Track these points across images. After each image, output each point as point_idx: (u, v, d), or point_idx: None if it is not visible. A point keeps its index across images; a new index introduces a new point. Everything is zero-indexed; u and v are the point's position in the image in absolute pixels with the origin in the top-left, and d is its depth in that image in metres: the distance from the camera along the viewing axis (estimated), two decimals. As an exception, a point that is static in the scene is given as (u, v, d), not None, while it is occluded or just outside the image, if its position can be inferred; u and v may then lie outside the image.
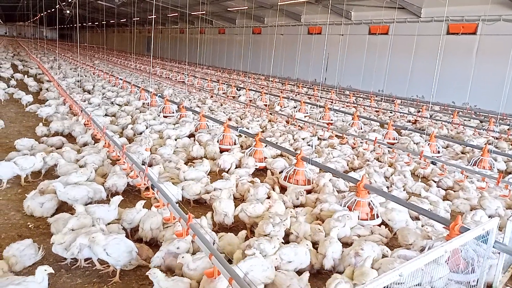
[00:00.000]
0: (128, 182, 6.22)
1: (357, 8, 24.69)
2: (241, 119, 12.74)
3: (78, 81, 19.12)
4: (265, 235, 4.65)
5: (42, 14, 64.80)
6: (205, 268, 3.76)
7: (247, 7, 29.92)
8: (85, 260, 4.33)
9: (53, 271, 3.68)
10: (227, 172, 7.31)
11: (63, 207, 5.55)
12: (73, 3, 40.58)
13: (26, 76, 19.18)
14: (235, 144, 9.37)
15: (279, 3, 22.40)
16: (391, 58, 20.98)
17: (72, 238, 4.19)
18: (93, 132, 8.74)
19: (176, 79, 25.08)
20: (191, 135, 10.19)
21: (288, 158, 8.33)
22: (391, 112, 16.56)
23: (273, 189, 6.32)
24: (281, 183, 7.02)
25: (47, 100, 13.20)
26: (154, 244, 4.77)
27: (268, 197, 6.03)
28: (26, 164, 6.31)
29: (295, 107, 16.29)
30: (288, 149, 8.64)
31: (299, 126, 12.13)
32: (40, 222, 5.25)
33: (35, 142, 7.80)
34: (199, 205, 6.25)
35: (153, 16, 20.75)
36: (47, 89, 15.66)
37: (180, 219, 4.34)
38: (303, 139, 10.46)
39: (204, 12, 32.71)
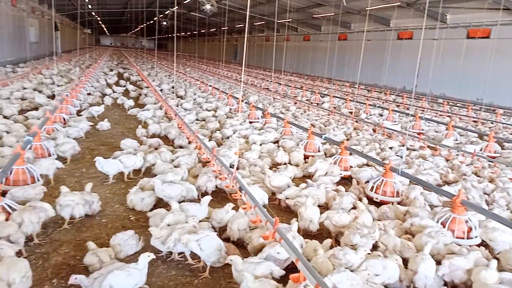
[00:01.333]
0: (216, 184, 6.55)
1: (454, 10, 23.04)
2: (325, 126, 12.63)
3: (172, 87, 20.58)
4: (351, 246, 4.56)
5: (142, 26, 71.08)
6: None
7: (333, 13, 29.62)
8: (179, 254, 4.64)
9: (155, 257, 4.01)
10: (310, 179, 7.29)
11: (160, 203, 6.02)
12: (169, 15, 43.79)
13: (128, 82, 21.12)
14: (319, 151, 9.32)
15: (368, 8, 21.78)
16: (493, 63, 19.16)
17: (168, 233, 4.53)
18: (186, 135, 9.34)
19: (260, 86, 25.68)
20: (276, 141, 10.36)
21: (375, 168, 8.04)
22: (492, 123, 15.11)
23: (360, 199, 6.16)
24: (368, 194, 6.81)
25: (146, 104, 14.45)
26: (241, 245, 4.95)
27: (354, 207, 5.91)
28: (129, 163, 6.97)
29: (381, 115, 15.68)
30: (375, 158, 8.36)
31: (386, 135, 11.66)
32: (140, 215, 5.76)
33: (137, 143, 8.58)
34: (282, 210, 6.34)
35: (246, 25, 21.35)
36: (145, 95, 17.12)
37: (267, 222, 4.45)
38: (391, 148, 10.03)
39: (290, 20, 33.06)
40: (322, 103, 18.62)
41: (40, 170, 6.44)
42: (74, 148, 7.99)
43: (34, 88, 16.29)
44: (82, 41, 63.75)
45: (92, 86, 18.08)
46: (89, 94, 16.08)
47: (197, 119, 12.50)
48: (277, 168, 7.70)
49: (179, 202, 5.56)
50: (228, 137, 10.22)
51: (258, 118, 13.18)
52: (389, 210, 5.96)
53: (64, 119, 10.47)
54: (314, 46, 39.31)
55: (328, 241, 4.73)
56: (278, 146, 9.58)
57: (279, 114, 14.07)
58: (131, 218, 5.67)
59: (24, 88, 15.63)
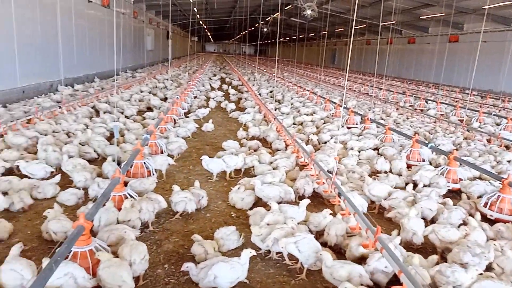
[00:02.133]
0: (314, 188, 6.57)
1: None
2: (431, 134, 11.79)
3: (270, 92, 21.13)
4: (461, 264, 4.21)
5: (243, 33, 74.16)
6: None
7: (443, 14, 27.50)
8: (277, 253, 4.78)
9: (256, 254, 4.20)
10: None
11: (258, 202, 6.25)
12: (270, 21, 44.96)
13: (230, 87, 22.23)
14: (423, 161, 8.76)
15: (486, 7, 19.75)
16: None
17: (268, 232, 4.69)
18: (284, 138, 9.53)
19: (359, 91, 24.95)
20: (375, 148, 9.99)
21: (490, 182, 7.28)
22: None
23: (471, 215, 5.65)
24: (480, 210, 6.20)
25: (246, 108, 15.07)
26: (338, 251, 4.90)
27: (464, 223, 5.45)
28: (231, 162, 7.36)
29: (498, 124, 14.10)
30: (491, 171, 7.57)
31: (504, 146, 10.47)
32: (241, 213, 6.05)
33: (238, 144, 9.02)
34: (382, 219, 6.10)
35: (351, 29, 20.97)
36: (245, 98, 17.85)
37: (367, 230, 4.34)
38: (509, 162, 8.97)
39: (394, 22, 31.53)
40: (428, 110, 17.41)
41: (155, 165, 7.15)
42: (181, 147, 8.69)
43: (149, 91, 18.10)
44: (190, 48, 68.76)
45: (198, 90, 19.42)
46: (195, 97, 17.31)
47: (294, 123, 12.64)
48: (377, 176, 7.44)
49: (278, 203, 5.72)
50: (325, 142, 10.16)
51: (357, 124, 12.86)
52: (506, 230, 5.36)
53: (174, 120, 11.44)
54: (420, 49, 36.90)
55: (434, 257, 4.44)
56: (378, 154, 9.24)
57: (379, 120, 13.53)
58: (232, 215, 5.98)
59: (141, 91, 17.46)
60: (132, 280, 3.82)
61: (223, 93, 19.35)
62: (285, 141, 9.59)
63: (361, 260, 4.45)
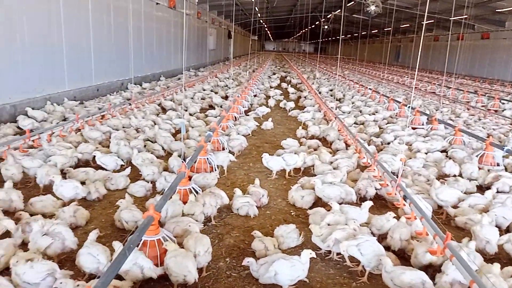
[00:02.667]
0: (376, 189, 6.38)
1: None
2: (506, 137, 10.91)
3: (330, 90, 20.80)
4: (542, 278, 3.88)
5: (303, 31, 73.61)
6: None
7: (524, 6, 25.28)
8: (337, 254, 4.71)
9: (315, 256, 4.19)
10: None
11: (318, 202, 6.21)
12: (331, 19, 44.20)
13: (289, 85, 22.21)
14: (497, 165, 8.14)
15: None
16: None
17: (328, 232, 4.64)
18: (345, 138, 9.35)
19: (425, 90, 23.73)
20: (443, 150, 9.46)
21: None
22: None
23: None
24: None
25: (306, 106, 14.98)
26: (401, 255, 4.73)
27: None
28: (291, 161, 7.37)
29: None
30: None
31: None
32: (300, 211, 6.04)
33: (297, 143, 9.01)
34: (449, 226, 5.78)
35: (423, 24, 20.11)
36: (305, 97, 17.74)
37: (435, 236, 4.14)
38: None
39: (467, 16, 29.53)
40: (503, 111, 16.11)
41: (217, 161, 7.36)
42: (242, 144, 8.85)
43: (211, 89, 18.64)
44: (250, 47, 69.69)
45: (257, 89, 19.64)
46: (255, 95, 17.53)
47: (355, 123, 12.35)
48: (445, 180, 7.05)
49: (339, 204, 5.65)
50: (388, 143, 9.81)
51: (423, 124, 12.24)
52: None
53: (235, 118, 11.69)
54: (495, 44, 34.22)
55: (510, 269, 4.12)
56: (447, 156, 8.74)
57: (447, 121, 12.78)
58: (292, 213, 6.00)
59: (204, 90, 18.03)
60: (196, 271, 3.98)
61: (282, 92, 19.36)
62: (345, 141, 9.41)
63: (427, 267, 4.27)
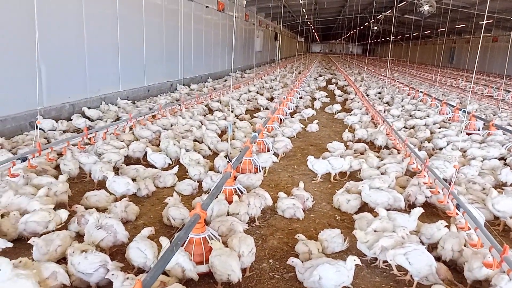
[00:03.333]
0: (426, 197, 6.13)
1: None
2: None
3: (379, 93, 20.24)
4: None
5: (351, 32, 72.18)
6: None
7: None
8: (383, 262, 4.57)
9: (361, 264, 4.10)
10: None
11: (364, 207, 6.06)
12: (381, 20, 43.01)
13: (336, 87, 21.87)
14: None
15: None
16: None
17: (375, 239, 4.52)
18: (393, 143, 9.05)
19: (482, 93, 22.45)
20: (501, 158, 8.89)
21: None
22: None
23: None
24: None
25: (352, 109, 14.68)
26: (453, 267, 4.50)
27: None
28: (337, 164, 7.25)
29: None
30: None
31: None
32: (345, 216, 5.93)
33: (343, 146, 8.86)
34: (507, 238, 5.42)
35: (482, 23, 19.13)
36: (351, 100, 17.40)
37: (491, 248, 3.90)
38: None
39: (530, 15, 27.63)
40: None
41: (260, 162, 7.40)
42: (287, 146, 8.83)
43: (257, 91, 18.78)
44: (295, 49, 69.43)
45: (303, 90, 19.51)
46: (300, 97, 17.43)
47: (405, 127, 11.92)
48: (503, 189, 6.62)
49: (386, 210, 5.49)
50: (440, 149, 9.38)
51: (479, 130, 11.58)
52: None
53: (281, 119, 11.68)
54: (562, 45, 31.63)
55: None
56: (505, 164, 8.22)
57: (506, 127, 12.00)
58: (337, 218, 5.90)
59: (250, 91, 18.20)
60: (240, 271, 4.02)
61: (327, 94, 19.06)
62: (394, 146, 9.11)
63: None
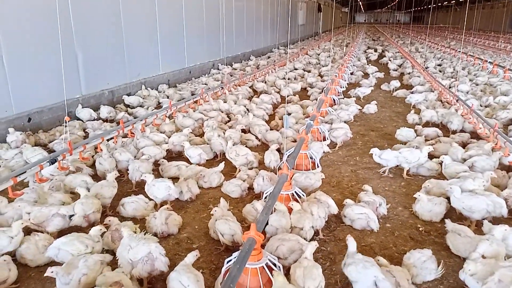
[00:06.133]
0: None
1: None
2: None
3: (439, 65, 18.25)
4: None
5: (399, -1, 67.40)
6: None
7: None
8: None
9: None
10: None
11: (451, 212, 4.91)
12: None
13: (389, 60, 19.99)
14: None
15: None
16: None
17: (486, 270, 3.40)
18: (474, 127, 7.65)
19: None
20: None
21: None
22: None
23: None
24: None
25: (413, 86, 13.09)
26: None
27: None
28: (413, 158, 6.05)
29: None
30: None
31: None
32: (431, 226, 4.80)
33: (413, 133, 7.59)
34: None
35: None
36: (409, 74, 15.68)
37: None
38: None
39: None
40: None
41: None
42: (346, 134, 7.70)
43: (303, 68, 17.47)
44: (340, 20, 66.11)
45: (354, 65, 17.95)
46: (351, 73, 15.96)
47: (479, 105, 10.28)
48: None
49: (483, 220, 4.34)
50: (531, 132, 7.85)
51: None
52: None
53: (334, 101, 10.48)
54: None
55: None
56: None
57: None
58: (420, 229, 4.78)
59: (296, 69, 16.95)
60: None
61: (378, 69, 17.30)
62: (475, 130, 7.71)
63: None
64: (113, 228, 4.26)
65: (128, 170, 5.89)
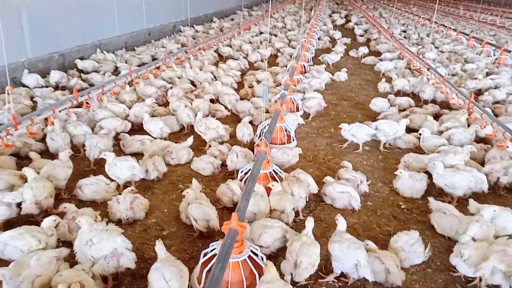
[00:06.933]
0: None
1: None
2: None
3: (403, 31, 18.17)
4: None
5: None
6: None
7: None
8: (491, 286, 3.32)
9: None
10: None
11: (430, 188, 4.78)
12: None
13: (356, 25, 19.63)
14: None
15: None
16: None
17: (479, 254, 3.25)
18: (447, 97, 7.56)
19: (516, 29, 20.25)
20: None
21: None
22: None
23: None
24: None
25: (381, 52, 12.89)
26: None
27: None
28: (391, 130, 5.84)
29: None
30: None
31: None
32: (412, 204, 4.64)
33: (387, 103, 7.38)
34: None
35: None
36: (375, 40, 15.47)
37: None
38: None
39: None
40: None
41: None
42: (320, 103, 7.38)
43: (269, 32, 16.77)
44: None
45: (320, 30, 17.46)
46: (319, 38, 15.52)
47: (453, 74, 10.16)
48: None
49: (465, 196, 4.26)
50: (497, 102, 7.87)
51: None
52: None
53: (304, 68, 10.06)
54: None
55: None
56: None
57: None
58: (402, 206, 4.61)
59: (261, 33, 16.22)
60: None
61: (343, 34, 16.95)
62: (447, 100, 7.64)
63: None
64: (70, 217, 3.74)
65: (84, 146, 5.25)
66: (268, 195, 4.10)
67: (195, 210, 3.84)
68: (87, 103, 6.47)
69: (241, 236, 3.09)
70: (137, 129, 6.39)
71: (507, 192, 4.90)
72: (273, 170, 4.53)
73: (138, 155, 5.24)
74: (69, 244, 3.62)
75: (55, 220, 3.54)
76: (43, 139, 5.60)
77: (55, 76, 8.31)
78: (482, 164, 5.26)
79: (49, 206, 4.05)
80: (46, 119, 5.80)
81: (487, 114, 5.94)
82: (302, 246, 3.25)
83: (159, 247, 3.14)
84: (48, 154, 5.32)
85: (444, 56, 12.34)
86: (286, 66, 10.22)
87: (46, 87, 7.95)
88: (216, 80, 8.41)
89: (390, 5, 32.88)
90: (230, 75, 8.86)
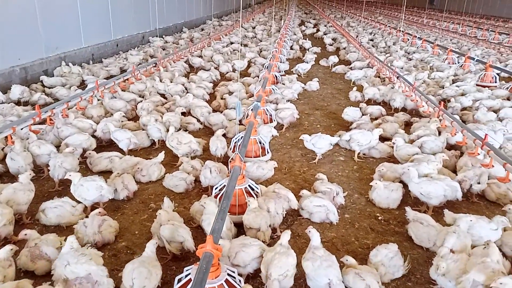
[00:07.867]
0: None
1: None
2: None
3: (371, 40, 18.57)
4: None
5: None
6: None
7: None
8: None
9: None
10: None
11: (405, 198, 4.78)
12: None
13: (325, 35, 19.90)
14: None
15: None
16: None
17: (458, 267, 3.23)
18: (418, 105, 7.69)
19: (476, 37, 21.10)
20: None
21: None
22: None
23: None
24: None
25: (351, 61, 13.08)
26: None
27: None
28: (364, 140, 5.85)
29: None
30: None
31: None
32: (389, 214, 4.62)
33: (359, 112, 7.41)
34: None
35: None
36: (344, 49, 15.71)
37: None
38: None
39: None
40: None
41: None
42: (293, 114, 7.34)
43: (239, 42, 16.74)
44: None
45: (290, 39, 17.60)
46: (291, 48, 15.63)
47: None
48: None
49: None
50: (464, 108, 8.08)
51: (495, 82, 10.33)
52: None
53: (276, 78, 10.03)
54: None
55: None
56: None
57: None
58: (379, 218, 4.57)
59: (232, 43, 16.16)
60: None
61: (312, 43, 17.14)
62: (416, 108, 7.77)
63: None
64: (32, 244, 3.48)
65: (48, 166, 4.96)
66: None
67: (168, 232, 3.65)
68: (51, 119, 6.16)
69: (217, 260, 2.94)
70: (106, 145, 6.13)
71: (479, 199, 4.96)
72: (249, 185, 4.40)
73: (107, 173, 5.01)
74: (31, 274, 3.37)
75: (11, 249, 3.26)
76: (2, 160, 5.27)
77: (16, 91, 7.90)
78: (454, 170, 5.35)
79: (8, 234, 3.76)
80: (6, 138, 5.48)
81: (456, 122, 6.04)
82: (273, 256, 3.17)
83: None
84: (8, 176, 5.01)
85: (411, 64, 12.66)
86: (258, 77, 10.17)
87: (8, 103, 7.55)
88: (187, 92, 8.24)
89: (357, 14, 33.69)
90: (201, 86, 8.71)
